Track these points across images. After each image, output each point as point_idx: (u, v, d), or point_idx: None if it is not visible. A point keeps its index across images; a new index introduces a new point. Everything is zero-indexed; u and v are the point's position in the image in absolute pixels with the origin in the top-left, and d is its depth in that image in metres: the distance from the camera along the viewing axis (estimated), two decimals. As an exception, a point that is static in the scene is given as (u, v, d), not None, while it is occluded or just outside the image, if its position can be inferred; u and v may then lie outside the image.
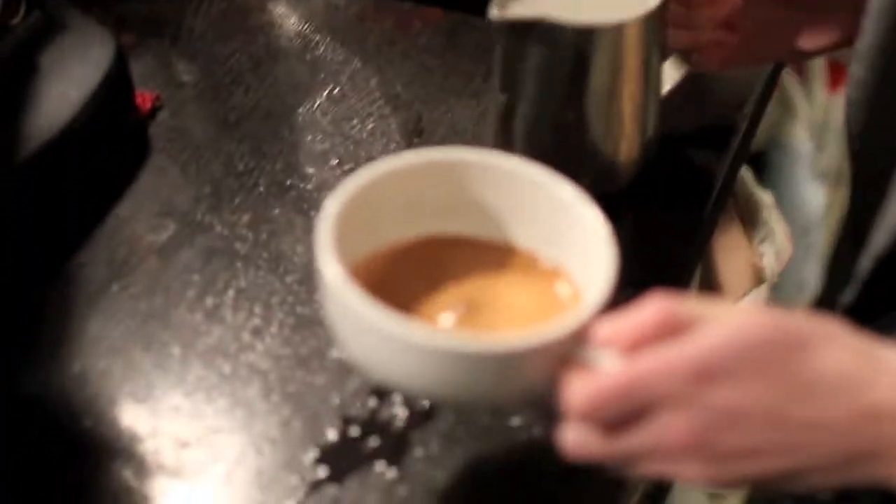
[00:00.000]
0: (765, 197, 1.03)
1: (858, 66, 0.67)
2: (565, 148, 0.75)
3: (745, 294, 0.99)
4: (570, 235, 0.57)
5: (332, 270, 0.52)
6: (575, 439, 0.50)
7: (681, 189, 0.81)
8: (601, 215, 0.56)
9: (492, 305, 0.57)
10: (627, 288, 0.53)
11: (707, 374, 0.47)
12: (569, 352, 0.50)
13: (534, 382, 0.52)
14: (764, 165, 1.21)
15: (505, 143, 0.76)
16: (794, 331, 0.49)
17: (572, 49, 0.71)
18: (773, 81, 0.93)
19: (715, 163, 0.83)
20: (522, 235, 0.60)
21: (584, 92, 0.73)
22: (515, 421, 0.65)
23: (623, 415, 0.49)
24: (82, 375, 0.67)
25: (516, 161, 0.59)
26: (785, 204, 1.12)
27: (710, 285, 0.96)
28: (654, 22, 0.72)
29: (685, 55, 0.78)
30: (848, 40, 0.71)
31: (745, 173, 1.01)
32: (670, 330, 0.49)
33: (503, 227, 0.60)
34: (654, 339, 0.49)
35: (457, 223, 0.59)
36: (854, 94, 0.68)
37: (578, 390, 0.49)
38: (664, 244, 0.78)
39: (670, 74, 0.78)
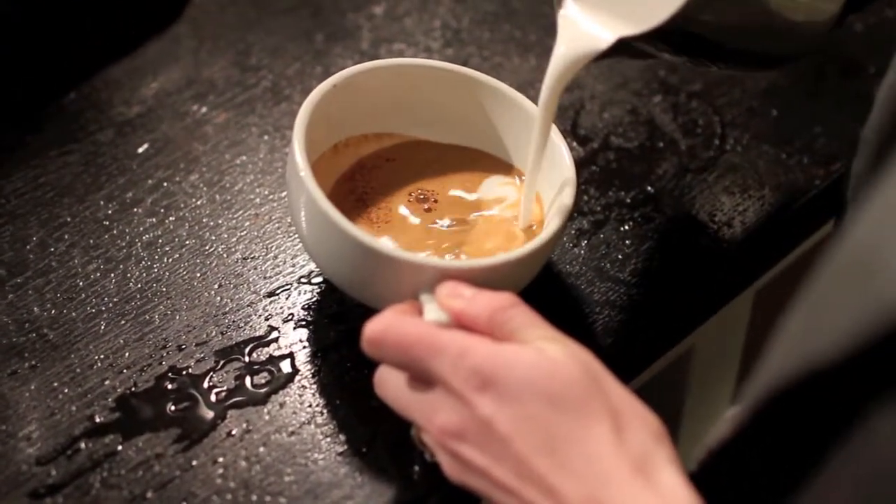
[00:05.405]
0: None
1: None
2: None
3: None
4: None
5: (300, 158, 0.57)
6: (379, 374, 0.53)
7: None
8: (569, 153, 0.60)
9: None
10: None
11: (486, 383, 0.49)
12: (424, 287, 0.54)
13: (397, 293, 0.55)
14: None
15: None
16: (590, 394, 0.48)
17: None
18: None
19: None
20: (495, 147, 0.65)
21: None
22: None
23: (404, 367, 0.51)
24: None
25: (487, 76, 0.63)
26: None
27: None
28: None
29: None
30: None
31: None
32: (496, 329, 0.51)
33: (478, 138, 0.65)
34: (477, 327, 0.51)
35: (432, 130, 0.65)
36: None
37: (381, 318, 0.52)
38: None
39: None
